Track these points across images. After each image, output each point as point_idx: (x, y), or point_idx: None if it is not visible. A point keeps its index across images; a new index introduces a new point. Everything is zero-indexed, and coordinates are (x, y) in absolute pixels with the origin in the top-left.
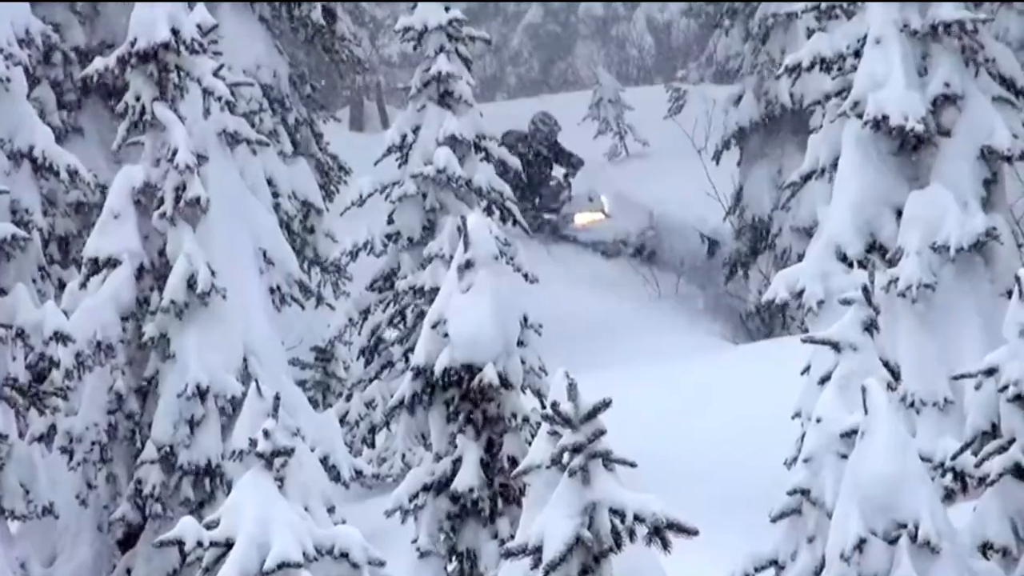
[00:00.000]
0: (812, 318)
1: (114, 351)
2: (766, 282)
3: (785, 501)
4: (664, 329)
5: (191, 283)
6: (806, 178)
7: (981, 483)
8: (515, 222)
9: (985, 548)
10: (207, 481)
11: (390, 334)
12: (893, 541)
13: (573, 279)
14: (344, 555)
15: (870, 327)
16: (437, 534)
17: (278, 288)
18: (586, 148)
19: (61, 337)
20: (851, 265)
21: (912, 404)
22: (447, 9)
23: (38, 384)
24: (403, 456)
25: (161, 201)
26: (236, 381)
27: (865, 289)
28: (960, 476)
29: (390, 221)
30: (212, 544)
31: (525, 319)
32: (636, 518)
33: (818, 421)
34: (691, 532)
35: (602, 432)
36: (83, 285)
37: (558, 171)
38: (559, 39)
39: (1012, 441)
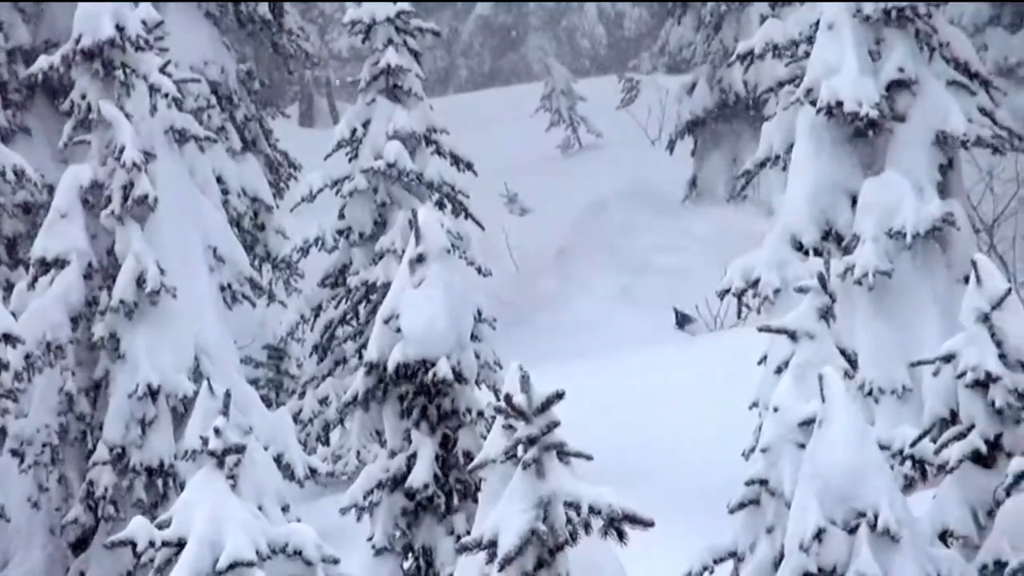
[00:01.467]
0: (768, 307)
1: (64, 352)
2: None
3: (743, 492)
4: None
5: (140, 282)
6: (760, 166)
7: (940, 470)
8: (467, 215)
9: (945, 536)
10: (160, 482)
11: (343, 330)
12: (852, 531)
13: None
14: (298, 553)
15: (826, 315)
16: (393, 531)
17: (229, 286)
18: (538, 141)
19: (9, 339)
20: (807, 253)
21: (870, 392)
22: (395, 1)
23: None
24: (358, 453)
25: (109, 200)
26: (188, 380)
27: (821, 277)
28: (919, 464)
29: (341, 216)
30: (164, 544)
31: (479, 313)
32: (591, 510)
33: (775, 411)
34: (647, 524)
35: (556, 424)
36: (31, 286)
37: None
38: (510, 31)
39: (971, 427)
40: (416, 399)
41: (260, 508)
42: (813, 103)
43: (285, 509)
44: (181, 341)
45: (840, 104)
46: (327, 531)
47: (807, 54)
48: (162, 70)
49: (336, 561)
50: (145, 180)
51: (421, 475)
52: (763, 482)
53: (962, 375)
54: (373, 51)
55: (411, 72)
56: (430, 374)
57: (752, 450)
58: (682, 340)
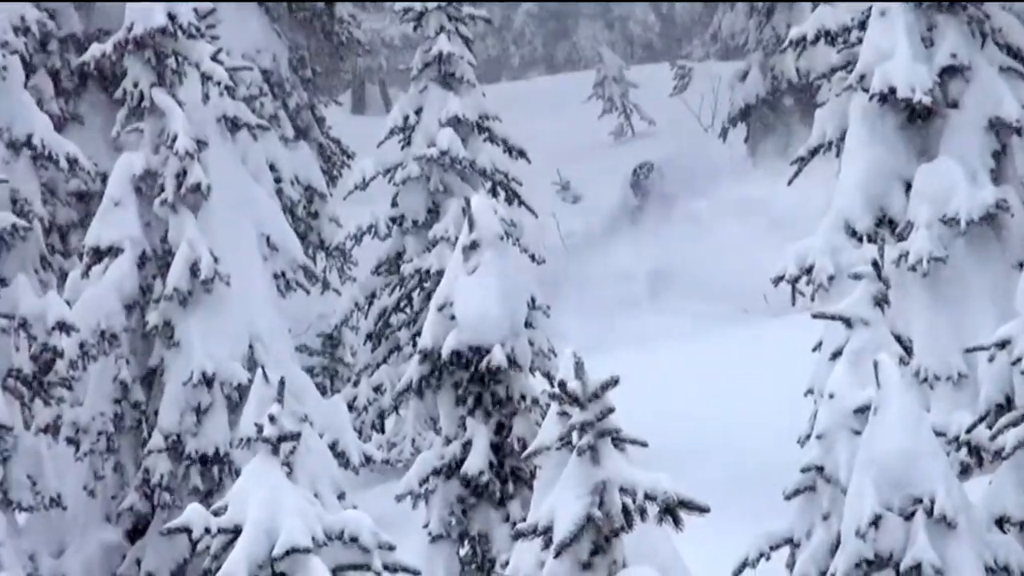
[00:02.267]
0: (822, 294)
1: (118, 340)
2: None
3: (799, 478)
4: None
5: (194, 270)
6: (813, 153)
7: (996, 456)
8: (520, 202)
9: (1002, 521)
10: (215, 469)
11: (397, 318)
12: (909, 517)
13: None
14: (354, 540)
15: (881, 302)
16: (448, 518)
17: (282, 274)
18: (591, 128)
19: (64, 327)
20: (861, 240)
21: (925, 379)
22: None
23: (42, 375)
24: (413, 441)
25: (162, 188)
26: (242, 368)
27: (875, 263)
28: (975, 450)
29: (394, 204)
30: (220, 531)
31: (532, 300)
32: (647, 496)
33: (831, 397)
34: (702, 510)
35: (610, 410)
36: (85, 274)
37: None
38: (562, 18)
39: None
40: (471, 386)
41: (316, 495)
42: (866, 89)
43: (341, 497)
44: (235, 329)
45: (893, 90)
46: (382, 518)
47: (860, 40)
48: (214, 58)
49: (392, 548)
50: (198, 168)
51: (476, 462)
52: (819, 469)
53: (1017, 361)
54: (425, 38)
55: (463, 59)
56: (484, 361)
57: (808, 437)
58: (737, 326)
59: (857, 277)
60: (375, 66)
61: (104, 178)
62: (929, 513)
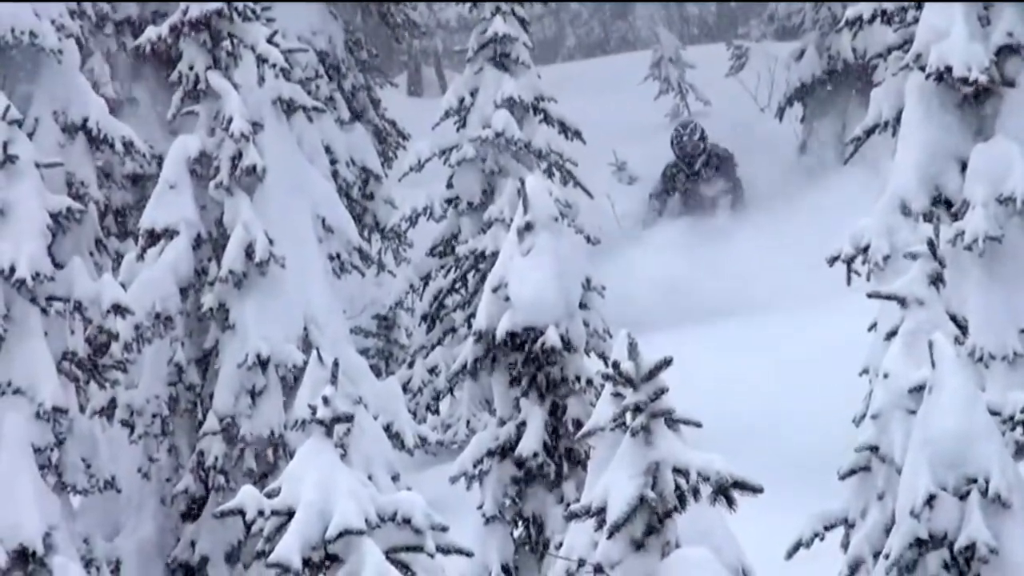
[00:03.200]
0: (878, 273)
1: (173, 322)
2: None
3: (854, 458)
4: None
5: (249, 252)
6: (869, 132)
7: None
8: (576, 184)
9: None
10: (270, 451)
11: (452, 299)
12: (963, 496)
13: None
14: (407, 521)
15: (936, 281)
16: (503, 499)
17: (337, 256)
18: (647, 109)
19: (119, 309)
20: (916, 219)
21: (980, 358)
22: None
23: (97, 357)
24: (468, 422)
25: (217, 170)
26: (297, 350)
27: (931, 243)
28: None
29: (449, 185)
30: (273, 513)
31: (588, 281)
32: (700, 477)
33: (885, 377)
34: (756, 490)
35: (664, 391)
36: (140, 257)
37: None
38: None
39: None
40: (525, 367)
41: (370, 477)
42: (922, 68)
43: (395, 478)
44: (290, 311)
45: (949, 69)
46: (437, 500)
47: (916, 20)
48: (269, 40)
49: (445, 529)
50: (253, 150)
51: (531, 443)
52: (874, 448)
53: None
54: (480, 20)
55: (519, 41)
56: (539, 342)
57: (862, 417)
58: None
59: (912, 257)
60: (431, 48)
61: (160, 161)
62: (984, 493)
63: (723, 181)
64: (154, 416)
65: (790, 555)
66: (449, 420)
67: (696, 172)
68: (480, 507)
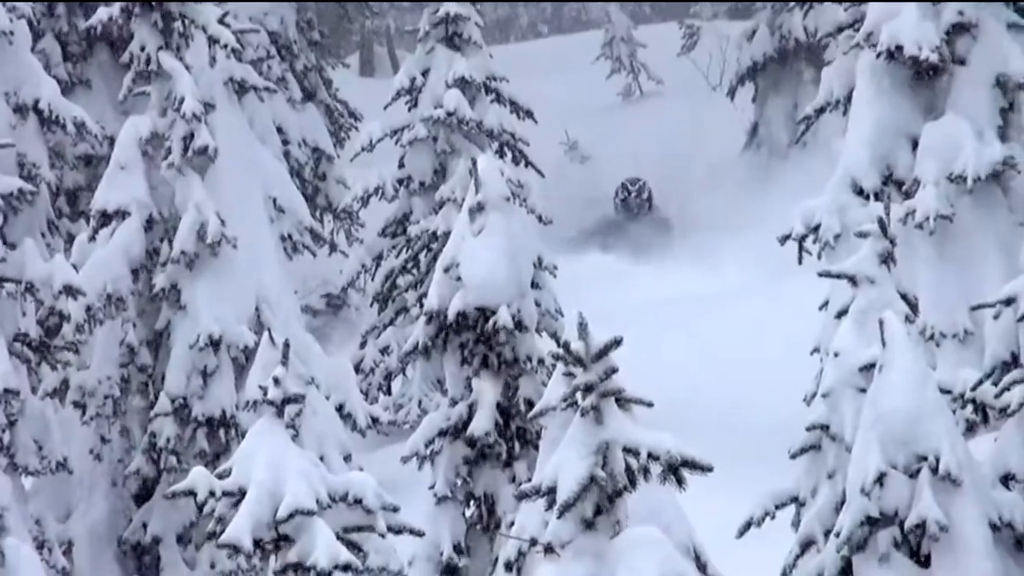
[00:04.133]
0: (829, 252)
1: (125, 303)
2: None
3: (804, 437)
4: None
5: (201, 233)
6: (820, 111)
7: (1002, 414)
8: (527, 163)
9: (1007, 479)
10: (221, 432)
11: (404, 279)
12: (914, 475)
13: None
14: (358, 502)
15: (887, 260)
16: (454, 479)
17: (289, 236)
18: (599, 89)
19: (71, 290)
20: (867, 198)
21: (931, 336)
22: None
23: (49, 339)
24: (419, 402)
25: (169, 151)
26: (248, 331)
27: (881, 222)
28: (980, 408)
29: (401, 165)
30: (224, 494)
31: (539, 260)
32: (650, 456)
33: (836, 356)
34: (706, 469)
35: (614, 371)
36: (92, 238)
37: None
38: None
39: None
40: (477, 347)
41: (322, 457)
42: (873, 47)
43: (347, 458)
44: (242, 291)
45: (900, 48)
46: (388, 480)
47: None
48: (221, 21)
49: (396, 509)
50: (205, 131)
51: (482, 423)
52: (824, 427)
53: (1023, 318)
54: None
55: (470, 20)
56: (490, 322)
57: (813, 395)
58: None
59: (863, 235)
60: (382, 28)
61: (111, 142)
62: (934, 471)
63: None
64: (106, 397)
65: (741, 534)
66: (401, 400)
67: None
68: (432, 487)
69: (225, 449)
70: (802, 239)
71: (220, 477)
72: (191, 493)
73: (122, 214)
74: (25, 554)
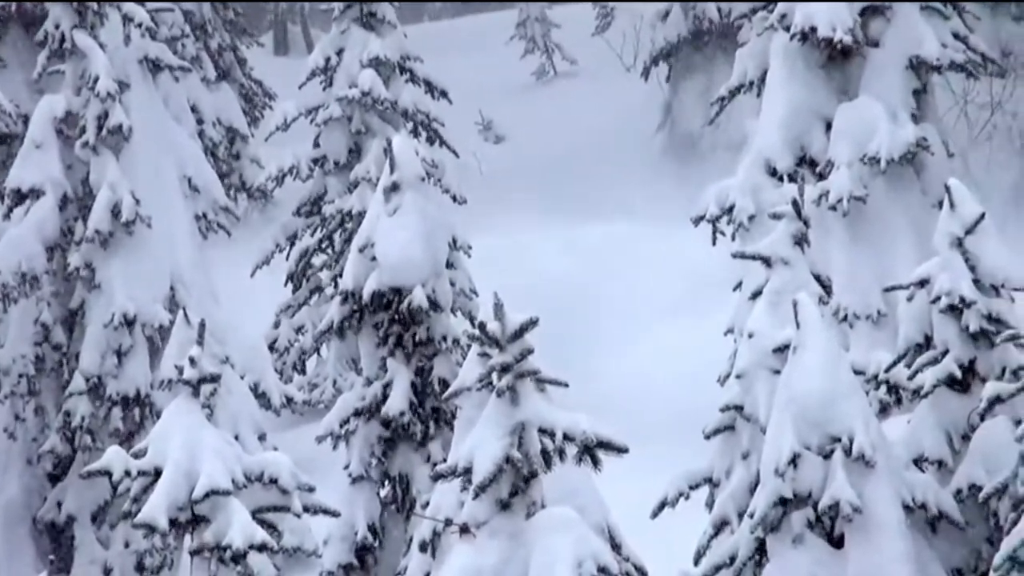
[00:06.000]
0: (743, 233)
1: (39, 282)
2: None
3: (719, 418)
4: None
5: (115, 212)
6: (734, 92)
7: (915, 395)
8: (442, 143)
9: (920, 461)
10: (136, 411)
11: (318, 259)
12: (827, 456)
13: None
14: (273, 481)
15: (801, 241)
16: (369, 459)
17: (204, 215)
18: (513, 68)
19: None
20: (781, 179)
21: (845, 318)
22: None
23: None
24: (334, 382)
25: (83, 130)
26: (163, 310)
27: (795, 203)
28: (894, 389)
29: (316, 145)
30: (140, 473)
31: (454, 241)
32: (566, 437)
33: (750, 337)
34: (621, 450)
35: (529, 351)
36: (7, 216)
37: None
38: None
39: (945, 352)
40: (392, 327)
41: (236, 437)
42: (787, 28)
43: (262, 438)
44: (157, 271)
45: (814, 29)
46: (303, 460)
47: None
48: None
49: (312, 489)
50: (119, 110)
51: (397, 403)
52: (738, 408)
53: (936, 300)
54: None
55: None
56: (405, 302)
57: (727, 376)
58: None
59: (777, 217)
60: (297, 7)
61: (26, 120)
62: (848, 452)
63: None
64: (20, 376)
65: (655, 514)
66: (315, 380)
67: None
68: (347, 467)
69: (140, 428)
70: (716, 220)
71: (135, 456)
72: (106, 472)
73: (36, 193)
74: None
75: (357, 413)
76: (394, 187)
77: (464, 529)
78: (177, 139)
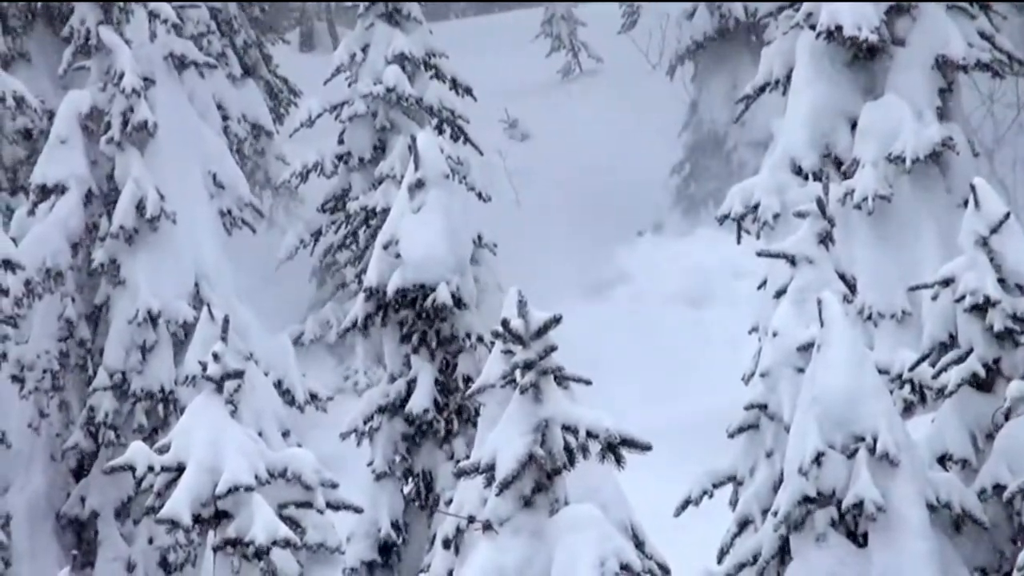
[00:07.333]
0: (768, 232)
1: (64, 278)
2: None
3: (743, 416)
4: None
5: (140, 208)
6: (760, 91)
7: (939, 395)
8: (467, 140)
9: (944, 459)
10: (160, 407)
11: (343, 255)
12: (851, 454)
13: None
14: (297, 478)
15: (825, 240)
16: (393, 456)
17: (229, 212)
18: (539, 66)
19: (9, 264)
20: (806, 178)
21: (869, 316)
22: None
23: None
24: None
25: (108, 126)
26: (187, 306)
27: (820, 202)
28: (918, 388)
29: (340, 141)
30: (163, 469)
31: (479, 238)
32: (589, 434)
33: (774, 335)
34: (644, 448)
35: (552, 348)
36: (31, 212)
37: None
38: None
39: (970, 352)
40: (416, 324)
41: (260, 433)
42: (813, 27)
43: (286, 434)
44: (181, 267)
45: (840, 28)
46: (327, 457)
47: None
48: None
49: (335, 485)
50: (144, 106)
51: (421, 400)
52: (763, 407)
53: (961, 299)
54: None
55: None
56: (429, 299)
57: (752, 375)
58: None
59: (802, 215)
60: (323, 3)
61: (51, 116)
62: (872, 451)
63: None
64: (44, 371)
65: (679, 512)
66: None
67: None
68: (370, 464)
69: (163, 424)
70: (741, 218)
71: (159, 452)
72: (130, 468)
73: (61, 188)
74: None
75: (381, 410)
76: (419, 184)
77: (487, 526)
78: (202, 135)
